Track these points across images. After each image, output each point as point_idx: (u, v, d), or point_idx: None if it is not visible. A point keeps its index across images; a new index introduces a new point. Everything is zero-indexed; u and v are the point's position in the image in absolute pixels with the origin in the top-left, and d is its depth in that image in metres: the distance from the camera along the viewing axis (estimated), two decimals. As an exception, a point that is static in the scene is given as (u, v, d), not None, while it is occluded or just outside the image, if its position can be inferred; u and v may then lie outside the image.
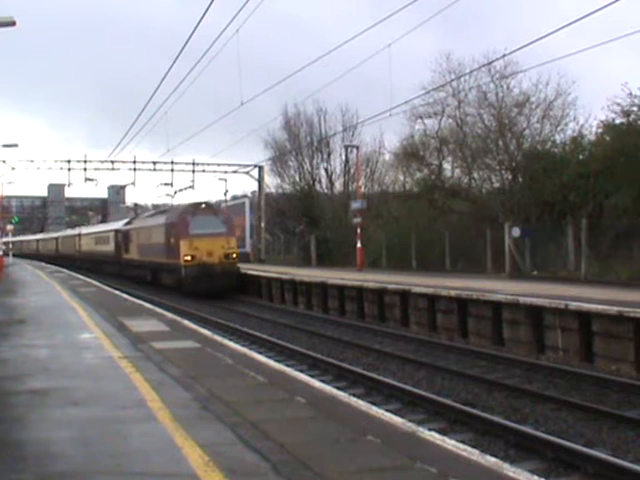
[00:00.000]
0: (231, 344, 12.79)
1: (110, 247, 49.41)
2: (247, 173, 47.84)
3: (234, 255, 32.15)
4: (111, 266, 49.40)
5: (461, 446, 6.22)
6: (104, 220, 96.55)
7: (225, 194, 51.71)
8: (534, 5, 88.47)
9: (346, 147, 45.49)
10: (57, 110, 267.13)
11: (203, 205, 34.13)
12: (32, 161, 44.27)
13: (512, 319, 16.54)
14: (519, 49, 20.11)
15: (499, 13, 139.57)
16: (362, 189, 37.39)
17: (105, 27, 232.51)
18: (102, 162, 45.01)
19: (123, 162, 45.15)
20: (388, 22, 20.56)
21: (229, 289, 31.21)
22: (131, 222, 45.30)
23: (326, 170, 49.52)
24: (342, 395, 8.31)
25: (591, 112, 33.02)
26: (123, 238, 44.65)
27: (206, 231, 31.54)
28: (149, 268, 37.84)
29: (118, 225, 49.49)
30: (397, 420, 7.11)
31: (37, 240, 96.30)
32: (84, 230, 66.42)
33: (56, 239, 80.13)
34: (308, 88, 48.66)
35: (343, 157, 48.44)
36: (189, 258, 31.03)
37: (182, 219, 32.68)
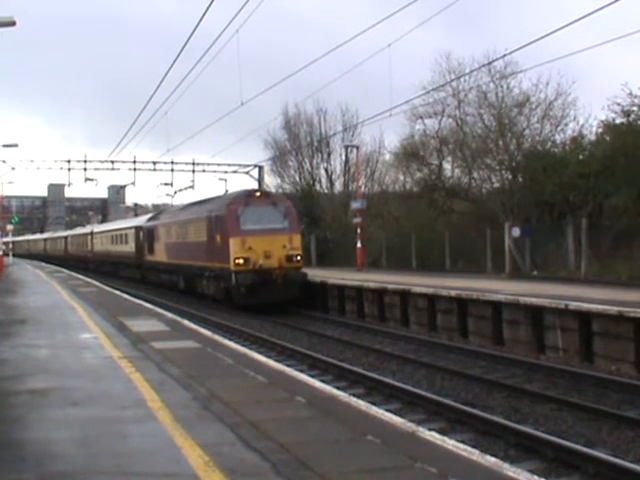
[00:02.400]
0: (231, 344, 12.79)
1: (129, 247, 42.73)
2: (247, 173, 47.78)
3: (298, 257, 25.01)
4: (130, 270, 43.04)
5: (461, 446, 6.22)
6: (104, 220, 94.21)
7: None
8: (540, 3, 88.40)
9: (346, 147, 45.47)
10: (56, 109, 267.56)
11: (258, 193, 26.65)
12: (32, 161, 44.23)
13: (512, 319, 16.54)
14: (519, 49, 20.14)
15: (504, 11, 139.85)
16: (362, 189, 37.36)
17: (105, 26, 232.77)
18: (102, 162, 44.92)
19: (123, 162, 45.06)
20: (390, 21, 20.52)
21: (292, 301, 24.68)
22: (157, 217, 38.45)
23: (326, 170, 49.50)
24: (342, 395, 8.32)
25: (591, 112, 33.08)
26: (146, 236, 38.05)
27: (263, 226, 24.75)
28: (182, 273, 30.99)
29: (139, 221, 42.75)
30: (397, 420, 7.11)
31: (44, 240, 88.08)
32: (97, 228, 59.43)
33: (65, 238, 72.29)
34: (309, 87, 48.87)
35: (343, 157, 48.42)
36: (241, 261, 24.08)
37: (231, 211, 25.03)
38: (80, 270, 51.80)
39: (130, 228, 43.29)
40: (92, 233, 56.93)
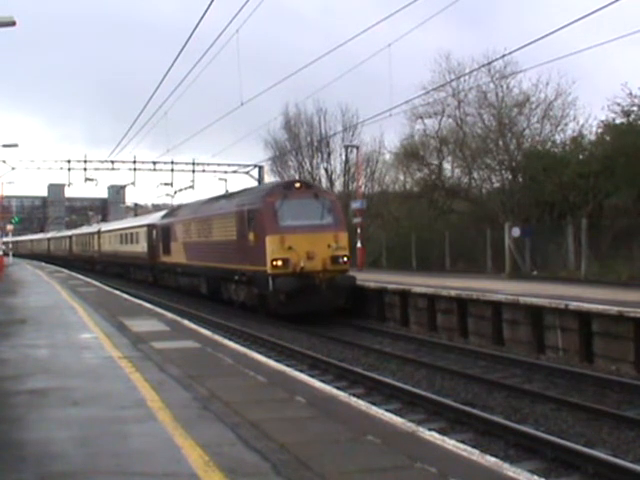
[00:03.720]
0: (231, 344, 12.79)
1: (141, 247, 39.24)
2: (247, 173, 47.80)
3: (345, 258, 21.51)
4: (141, 272, 39.98)
5: (461, 446, 6.22)
6: (104, 220, 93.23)
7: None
8: (542, 2, 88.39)
9: (346, 147, 45.46)
10: (56, 109, 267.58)
11: (298, 183, 22.86)
12: (32, 161, 44.25)
13: (512, 319, 16.54)
14: (519, 49, 20.11)
15: (505, 10, 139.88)
16: (362, 189, 37.37)
17: (105, 26, 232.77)
18: (102, 162, 44.96)
19: (123, 162, 45.09)
20: (390, 21, 20.50)
21: (337, 308, 21.48)
22: (173, 213, 34.77)
23: (326, 170, 49.48)
24: (342, 395, 8.32)
25: (591, 112, 33.13)
26: (161, 235, 34.51)
27: (304, 222, 21.39)
28: (204, 277, 27.64)
29: (152, 218, 39.07)
30: (397, 420, 7.11)
31: (48, 239, 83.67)
32: (105, 226, 55.31)
33: (70, 238, 67.90)
34: (309, 87, 48.84)
35: (343, 157, 48.41)
36: (279, 263, 20.69)
37: (267, 204, 21.61)
38: (86, 272, 49.79)
39: (142, 226, 39.76)
40: (99, 232, 53.36)
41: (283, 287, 20.39)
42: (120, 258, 45.14)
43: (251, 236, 22.01)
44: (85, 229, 66.93)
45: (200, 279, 28.23)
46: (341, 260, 21.33)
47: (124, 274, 44.09)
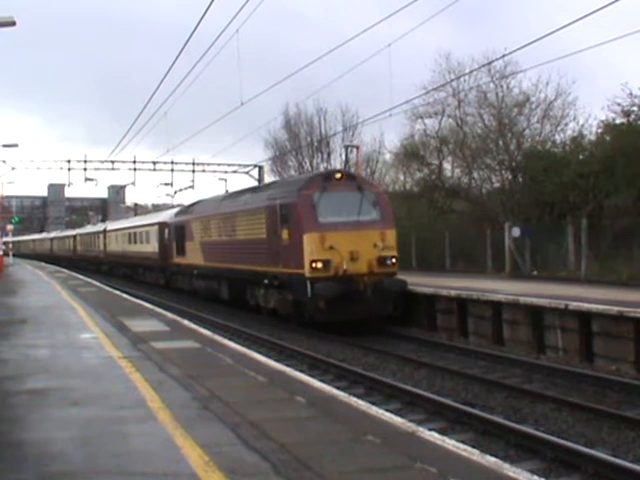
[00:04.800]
0: (231, 344, 12.79)
1: (151, 247, 36.89)
2: (247, 173, 47.80)
3: (394, 259, 18.99)
4: (152, 274, 37.58)
5: (461, 446, 6.22)
6: (104, 220, 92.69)
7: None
8: (545, 1, 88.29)
9: (346, 147, 45.43)
10: (56, 108, 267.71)
11: (339, 174, 20.04)
12: (32, 161, 44.27)
13: (512, 319, 16.54)
14: (519, 49, 20.07)
15: (506, 9, 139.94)
16: (362, 189, 37.26)
17: (105, 26, 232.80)
18: (102, 162, 44.96)
19: (123, 162, 45.10)
20: (391, 20, 20.48)
21: (385, 316, 18.97)
22: (189, 210, 31.60)
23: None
24: (342, 395, 8.32)
25: (591, 112, 33.14)
26: (174, 234, 31.82)
27: (347, 218, 18.92)
28: (226, 280, 24.98)
29: (164, 216, 36.22)
30: (397, 420, 7.11)
31: (51, 239, 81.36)
32: (111, 225, 52.82)
33: (74, 237, 65.08)
34: (309, 87, 48.83)
35: (343, 157, 48.36)
36: (319, 265, 18.18)
37: (304, 198, 18.99)
38: (91, 273, 48.30)
39: (152, 225, 37.26)
40: (105, 231, 50.93)
41: (323, 293, 17.84)
42: (128, 259, 42.97)
43: (285, 234, 19.35)
44: (90, 228, 64.82)
45: (220, 282, 25.65)
46: (389, 261, 18.83)
47: (132, 276, 42.20)
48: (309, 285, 18.11)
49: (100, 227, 56.15)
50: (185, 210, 32.56)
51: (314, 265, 18.21)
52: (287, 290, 19.53)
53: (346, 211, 19.01)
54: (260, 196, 22.49)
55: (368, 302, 18.21)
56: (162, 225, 34.83)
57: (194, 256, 28.42)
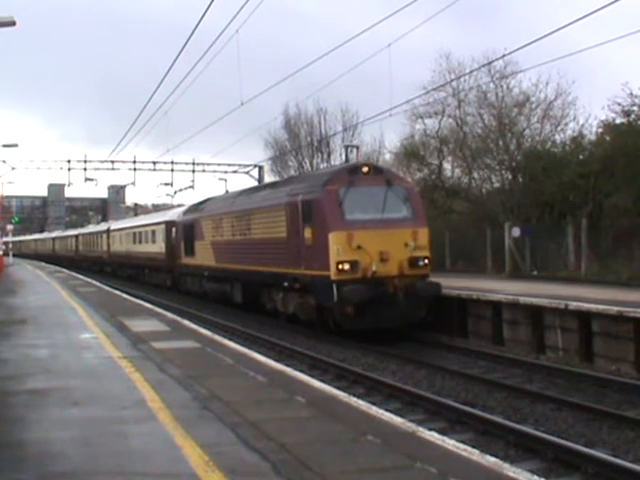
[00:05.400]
0: (231, 344, 12.79)
1: (157, 247, 35.64)
2: (247, 173, 47.80)
3: (426, 260, 17.66)
4: (158, 275, 36.31)
5: (461, 446, 6.22)
6: (104, 220, 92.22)
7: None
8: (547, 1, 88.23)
9: (346, 147, 45.39)
10: (56, 108, 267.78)
11: (366, 167, 18.41)
12: (32, 161, 44.28)
13: (512, 319, 16.54)
14: (519, 49, 20.06)
15: (507, 9, 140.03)
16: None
17: (105, 25, 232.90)
18: (102, 162, 44.97)
19: (123, 162, 45.10)
20: (392, 19, 20.43)
21: (417, 322, 17.50)
22: (199, 208, 29.72)
23: (326, 170, 49.49)
24: (342, 395, 8.32)
25: (591, 112, 33.14)
26: (182, 233, 30.30)
27: (376, 215, 17.58)
28: (240, 282, 23.55)
29: (171, 215, 34.90)
30: (397, 420, 7.11)
31: (53, 239, 79.73)
32: (115, 224, 51.26)
33: (76, 237, 63.52)
34: (309, 87, 48.86)
35: (343, 157, 48.35)
36: (346, 267, 16.79)
37: (330, 193, 17.53)
38: (93, 274, 47.31)
39: (159, 224, 35.91)
40: (109, 231, 49.43)
41: (351, 297, 16.40)
42: (133, 259, 41.54)
43: (308, 233, 17.82)
44: (93, 228, 63.67)
45: (233, 285, 24.12)
46: (421, 262, 17.42)
47: (137, 277, 40.90)
48: (335, 288, 16.65)
49: (103, 226, 54.84)
50: (194, 208, 30.69)
51: (341, 267, 16.78)
52: (309, 294, 18.05)
53: (375, 207, 17.64)
54: (279, 192, 20.72)
55: (399, 307, 16.77)
56: (169, 224, 33.53)
57: (204, 257, 26.96)
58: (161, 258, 34.66)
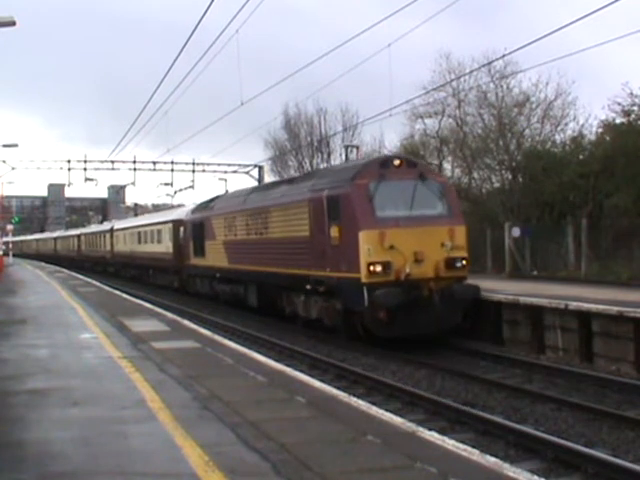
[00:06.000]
0: (231, 344, 12.79)
1: (164, 247, 34.49)
2: (247, 173, 47.81)
3: (463, 261, 16.33)
4: (165, 276, 35.01)
5: (461, 446, 6.22)
6: (104, 220, 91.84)
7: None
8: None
9: (346, 147, 45.42)
10: (56, 108, 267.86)
11: (397, 160, 17.06)
12: (32, 161, 44.29)
13: (512, 319, 16.52)
14: (519, 49, 20.07)
15: (508, 8, 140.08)
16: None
17: (105, 25, 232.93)
18: (102, 162, 44.97)
19: (123, 162, 45.11)
20: (392, 19, 20.41)
21: (453, 327, 16.20)
22: (209, 206, 28.09)
23: (326, 170, 49.47)
24: (342, 395, 8.32)
25: (591, 112, 33.15)
26: (191, 233, 28.90)
27: (410, 212, 16.25)
28: (255, 284, 22.18)
29: (178, 213, 33.88)
30: (397, 420, 7.11)
31: (55, 238, 78.27)
32: (119, 223, 50.07)
33: (78, 237, 62.30)
34: (309, 87, 48.91)
35: (343, 157, 48.39)
36: (378, 268, 15.42)
37: (359, 188, 16.16)
38: (96, 274, 46.49)
39: (165, 223, 34.82)
40: (112, 230, 48.12)
41: (385, 301, 15.09)
42: (137, 259, 40.25)
43: (334, 231, 16.40)
44: (95, 227, 62.44)
45: (248, 287, 22.77)
46: (458, 263, 16.11)
47: (142, 278, 39.62)
48: (366, 292, 15.25)
49: (107, 226, 53.37)
50: (204, 206, 28.99)
51: (372, 268, 15.36)
52: (336, 298, 16.65)
53: (408, 204, 16.25)
54: (301, 187, 19.12)
55: (435, 312, 15.38)
56: (177, 223, 32.29)
57: (216, 257, 25.44)
58: (168, 258, 33.59)
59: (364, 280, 15.40)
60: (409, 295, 15.24)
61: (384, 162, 17.04)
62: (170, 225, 33.62)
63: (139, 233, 40.51)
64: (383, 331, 15.57)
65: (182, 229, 30.90)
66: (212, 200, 28.90)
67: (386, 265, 15.45)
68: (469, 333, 16.66)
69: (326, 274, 16.71)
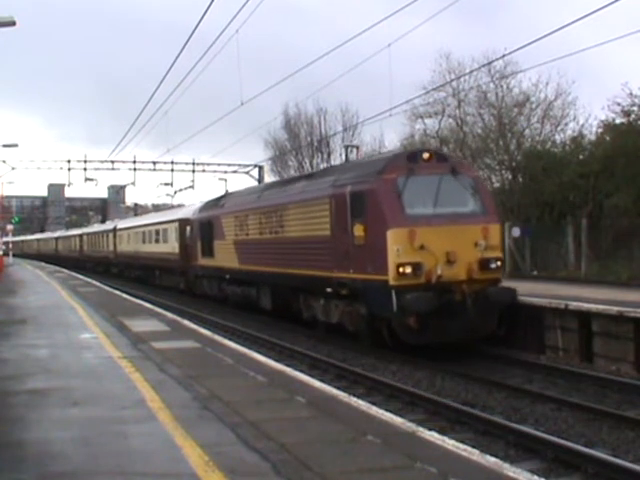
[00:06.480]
0: (231, 344, 12.80)
1: (170, 247, 33.42)
2: (247, 173, 47.84)
3: (498, 262, 15.14)
4: (171, 277, 33.91)
5: (461, 446, 6.22)
6: (104, 220, 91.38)
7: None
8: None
9: (346, 147, 45.41)
10: (56, 108, 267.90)
11: (427, 153, 15.80)
12: (32, 161, 44.33)
13: (512, 319, 16.47)
14: (519, 49, 20.09)
15: (509, 7, 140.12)
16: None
17: (105, 24, 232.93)
18: (102, 162, 45.02)
19: (123, 162, 45.15)
20: (393, 18, 20.39)
21: (487, 334, 14.97)
22: (219, 203, 26.73)
23: (326, 170, 49.46)
24: (342, 395, 8.32)
25: (591, 112, 33.18)
26: (199, 232, 27.73)
27: (441, 209, 15.13)
28: (269, 286, 21.05)
29: (185, 212, 32.70)
30: (397, 420, 7.11)
31: (56, 238, 77.30)
32: (122, 223, 48.81)
33: (80, 237, 61.22)
34: (309, 87, 48.95)
35: (343, 157, 48.43)
36: (408, 270, 14.24)
37: (386, 183, 15.01)
38: (98, 275, 45.90)
39: (171, 222, 33.76)
40: (115, 230, 47.11)
41: (416, 306, 13.93)
42: (142, 260, 39.06)
43: (358, 230, 15.28)
44: (98, 227, 61.29)
45: (260, 289, 21.65)
46: (493, 265, 14.89)
47: (146, 279, 38.59)
48: (394, 296, 14.11)
49: (110, 225, 52.26)
50: (213, 204, 27.63)
51: (401, 270, 14.18)
52: (360, 301, 15.52)
53: (438, 200, 15.14)
54: (321, 183, 17.83)
55: (468, 318, 14.27)
56: (183, 222, 31.18)
57: (225, 258, 24.26)
58: (174, 259, 32.49)
59: (392, 283, 14.23)
60: (441, 299, 14.14)
61: (412, 155, 15.84)
62: (176, 224, 32.59)
63: (144, 233, 39.44)
64: (413, 338, 14.41)
65: (189, 228, 29.90)
66: (222, 198, 27.62)
67: (416, 266, 14.27)
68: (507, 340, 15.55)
69: (349, 276, 15.62)
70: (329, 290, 16.54)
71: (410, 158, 15.54)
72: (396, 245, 14.33)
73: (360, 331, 15.97)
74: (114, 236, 46.96)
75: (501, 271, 15.51)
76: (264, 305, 21.52)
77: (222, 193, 30.09)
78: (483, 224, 15.06)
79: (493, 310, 14.74)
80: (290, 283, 19.02)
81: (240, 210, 23.33)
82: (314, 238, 17.35)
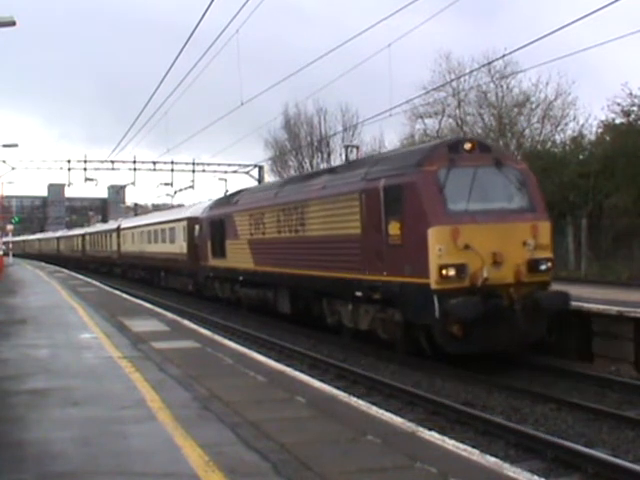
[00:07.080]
0: (231, 344, 12.80)
1: (177, 247, 32.05)
2: (247, 173, 47.85)
3: (548, 263, 13.69)
4: (178, 278, 32.43)
5: (461, 446, 6.22)
6: (104, 220, 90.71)
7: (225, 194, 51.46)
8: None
9: (346, 147, 45.36)
10: (55, 108, 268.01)
11: (469, 144, 14.09)
12: (32, 161, 44.36)
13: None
14: (519, 49, 20.11)
15: (511, 7, 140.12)
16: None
17: (105, 24, 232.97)
18: (102, 162, 45.03)
19: (123, 162, 45.17)
20: (393, 18, 20.40)
21: (536, 340, 13.76)
22: (231, 201, 25.26)
23: (326, 170, 49.48)
24: (342, 395, 8.32)
25: (591, 112, 33.21)
26: (208, 231, 26.17)
27: (486, 205, 13.66)
28: (288, 289, 19.49)
29: (194, 210, 31.06)
30: (397, 420, 7.11)
31: (57, 238, 75.83)
32: (127, 222, 47.00)
33: (82, 236, 59.86)
34: (309, 86, 48.98)
35: (343, 157, 48.43)
36: (451, 272, 12.75)
37: (426, 176, 13.41)
38: (101, 276, 45.10)
39: (179, 220, 32.34)
40: (119, 229, 45.61)
41: (462, 312, 12.54)
42: (147, 260, 37.57)
43: (393, 228, 13.83)
44: (101, 226, 59.98)
45: (278, 292, 20.15)
46: (543, 266, 13.50)
47: (152, 280, 37.21)
48: (436, 301, 12.68)
49: (113, 224, 50.76)
50: (225, 201, 26.28)
51: (444, 272, 12.70)
52: (394, 306, 14.09)
53: (483, 195, 13.65)
54: (349, 176, 16.23)
55: (517, 324, 12.85)
56: (191, 221, 29.78)
57: (239, 258, 22.77)
58: (182, 259, 31.04)
59: (434, 286, 12.75)
60: (487, 304, 12.69)
61: (454, 145, 14.18)
62: (184, 223, 31.15)
63: (149, 232, 37.88)
64: (456, 347, 12.98)
65: (198, 227, 28.26)
66: (234, 195, 25.95)
67: (460, 268, 12.79)
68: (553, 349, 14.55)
69: (382, 279, 14.16)
70: (359, 294, 15.12)
71: (451, 148, 13.98)
72: (438, 245, 12.84)
73: (395, 339, 14.54)
74: (118, 236, 45.57)
75: (551, 273, 14.00)
76: (282, 309, 20.14)
77: (233, 190, 28.86)
78: (532, 221, 13.79)
79: (543, 316, 13.43)
80: (312, 286, 17.55)
81: (256, 207, 21.67)
82: (341, 237, 15.90)
